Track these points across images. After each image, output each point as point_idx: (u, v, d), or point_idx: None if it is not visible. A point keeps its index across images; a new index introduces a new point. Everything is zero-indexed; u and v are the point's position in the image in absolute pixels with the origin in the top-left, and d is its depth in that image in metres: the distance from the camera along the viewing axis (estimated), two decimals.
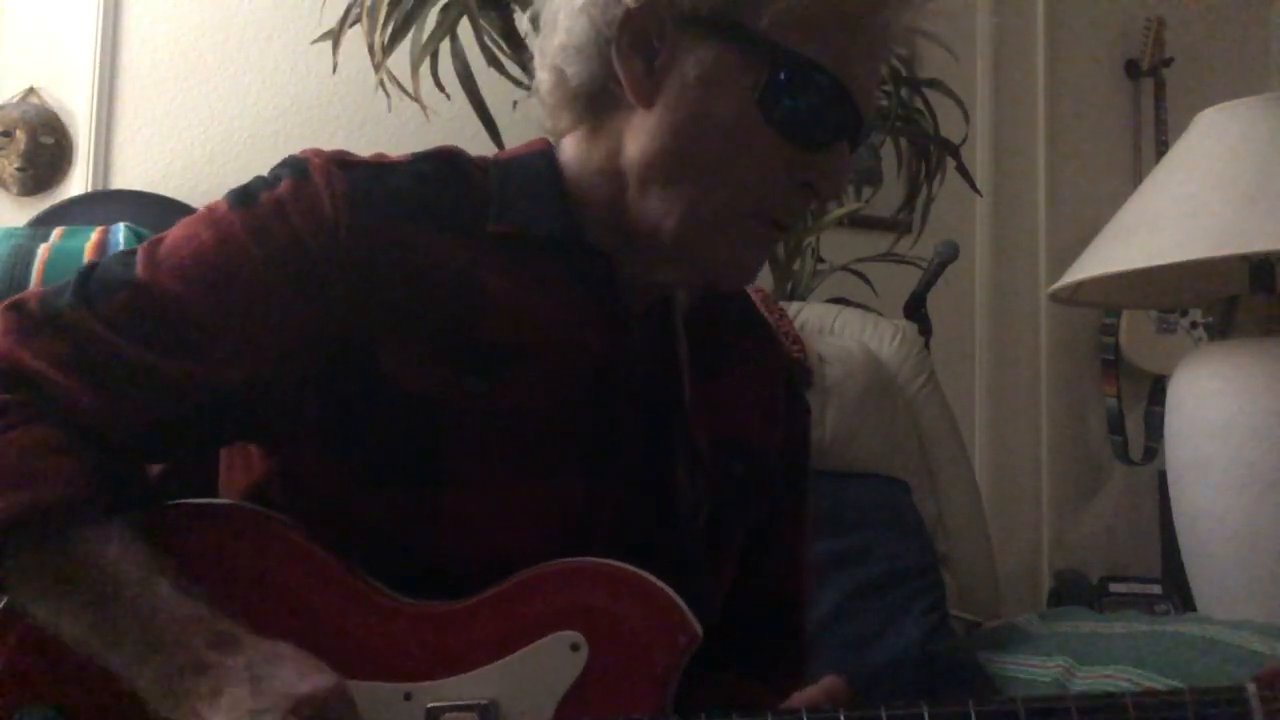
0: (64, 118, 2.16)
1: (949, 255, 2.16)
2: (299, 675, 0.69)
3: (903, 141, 2.17)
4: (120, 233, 1.68)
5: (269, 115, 2.26)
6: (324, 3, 1.95)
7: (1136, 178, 2.78)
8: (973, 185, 2.28)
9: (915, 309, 2.14)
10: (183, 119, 2.22)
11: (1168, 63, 3.00)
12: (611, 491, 0.84)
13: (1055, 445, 2.90)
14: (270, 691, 0.68)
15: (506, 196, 0.85)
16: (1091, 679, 1.39)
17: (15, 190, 2.13)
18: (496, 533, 0.81)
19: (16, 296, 0.79)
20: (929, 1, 0.81)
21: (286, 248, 0.79)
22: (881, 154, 2.48)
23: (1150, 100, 3.02)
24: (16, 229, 1.80)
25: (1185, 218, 1.84)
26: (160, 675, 0.70)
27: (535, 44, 0.88)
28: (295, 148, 0.85)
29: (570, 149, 0.88)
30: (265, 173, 0.83)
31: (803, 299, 2.10)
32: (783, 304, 1.83)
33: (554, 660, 0.76)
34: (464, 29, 1.79)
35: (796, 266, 2.13)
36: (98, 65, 2.16)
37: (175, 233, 0.81)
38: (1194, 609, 1.98)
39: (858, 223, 2.46)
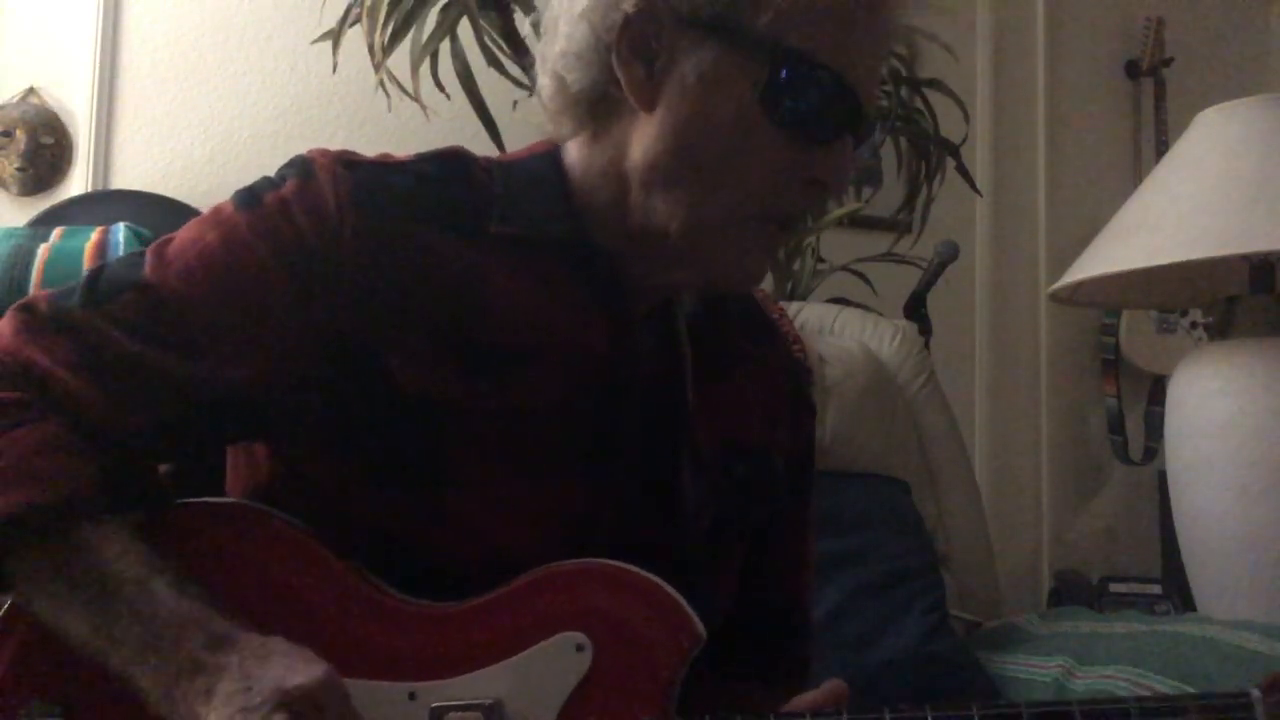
0: (64, 118, 2.16)
1: (949, 255, 2.16)
2: (287, 669, 0.69)
3: (903, 141, 2.17)
4: (120, 233, 1.69)
5: (269, 115, 2.26)
6: (324, 3, 1.95)
7: (1136, 178, 2.78)
8: (973, 185, 2.28)
9: (915, 309, 2.14)
10: (183, 119, 2.22)
11: (1168, 63, 3.00)
12: (614, 493, 0.85)
13: (1055, 445, 2.90)
14: (260, 687, 0.68)
15: (511, 198, 0.85)
16: (1091, 679, 1.39)
17: (15, 190, 2.13)
18: (499, 533, 0.81)
19: (27, 298, 0.80)
20: None
21: (292, 248, 0.79)
22: (881, 154, 2.48)
23: (1150, 100, 3.02)
24: (16, 229, 1.80)
25: (1185, 218, 1.84)
26: (158, 675, 0.70)
27: (537, 50, 0.88)
28: (295, 148, 0.85)
29: (574, 152, 0.87)
30: (270, 173, 0.83)
31: (803, 299, 2.10)
32: (783, 304, 1.83)
33: (559, 661, 0.76)
34: (464, 29, 1.79)
35: (796, 266, 2.13)
36: (98, 65, 2.16)
37: (183, 234, 0.82)
38: (1194, 609, 1.98)
39: (858, 223, 2.46)
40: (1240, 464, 1.81)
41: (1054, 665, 1.46)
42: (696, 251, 0.83)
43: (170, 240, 0.82)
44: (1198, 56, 3.09)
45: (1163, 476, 2.21)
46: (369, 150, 0.86)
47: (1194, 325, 2.89)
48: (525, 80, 1.75)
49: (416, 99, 1.72)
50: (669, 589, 0.79)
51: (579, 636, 0.77)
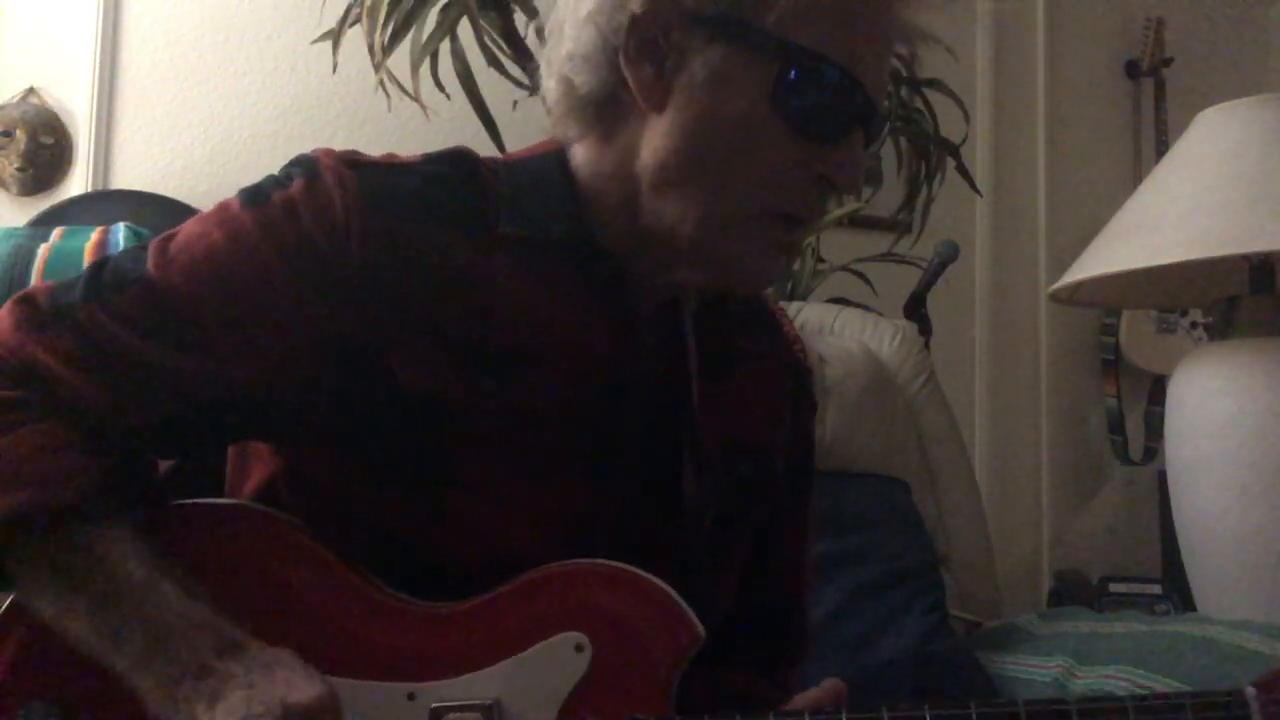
0: (64, 118, 2.16)
1: (949, 255, 2.16)
2: (290, 684, 0.69)
3: (903, 141, 2.17)
4: (120, 233, 1.69)
5: (269, 115, 2.26)
6: (324, 3, 1.95)
7: (1136, 178, 2.78)
8: (973, 185, 2.28)
9: (915, 309, 2.14)
10: (183, 119, 2.22)
11: (1168, 63, 3.00)
12: (618, 493, 0.85)
13: (1055, 445, 2.89)
14: (263, 698, 0.68)
15: (517, 198, 0.85)
16: (1091, 679, 1.39)
17: (15, 190, 2.13)
18: (502, 533, 0.81)
19: (26, 290, 0.79)
20: None
21: (297, 247, 0.79)
22: (881, 154, 2.47)
23: (1150, 100, 3.02)
24: (16, 229, 1.80)
25: (1185, 218, 1.84)
26: (162, 677, 0.70)
27: (541, 54, 0.87)
28: (295, 148, 0.85)
29: (581, 153, 0.87)
30: (271, 173, 0.83)
31: (803, 299, 2.10)
32: (783, 304, 1.83)
33: (558, 661, 0.77)
34: (464, 29, 1.78)
35: (796, 266, 2.13)
36: (98, 65, 2.16)
37: (187, 229, 0.81)
38: (1194, 609, 1.97)
39: (858, 223, 2.46)
40: (1240, 464, 1.81)
41: (1054, 665, 1.45)
42: (709, 250, 0.83)
43: (173, 235, 0.81)
44: (1198, 56, 3.09)
45: (1163, 476, 2.21)
46: (370, 150, 0.86)
47: (1194, 325, 2.89)
48: (525, 80, 1.75)
49: (416, 99, 1.72)
50: (667, 588, 0.79)
51: (578, 637, 0.77)
